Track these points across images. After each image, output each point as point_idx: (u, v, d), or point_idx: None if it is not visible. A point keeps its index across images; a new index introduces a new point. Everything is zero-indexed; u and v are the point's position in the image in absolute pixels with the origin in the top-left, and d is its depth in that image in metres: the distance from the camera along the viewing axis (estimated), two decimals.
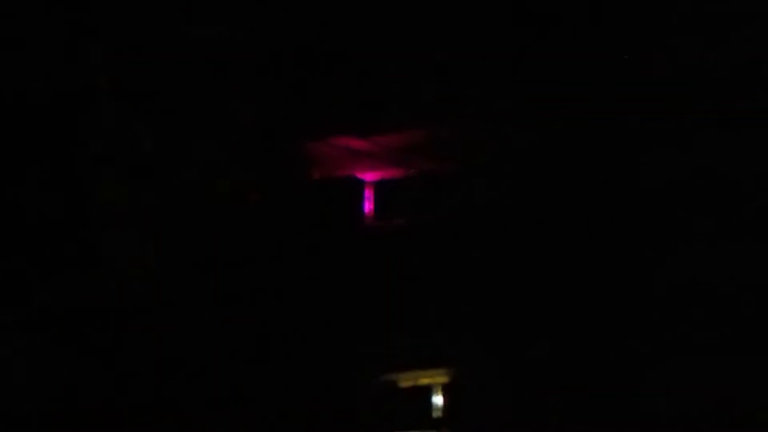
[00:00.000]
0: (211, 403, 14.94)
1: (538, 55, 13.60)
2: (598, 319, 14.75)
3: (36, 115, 14.43)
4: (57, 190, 14.72)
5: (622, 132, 13.78)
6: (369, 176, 15.62)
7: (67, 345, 14.93)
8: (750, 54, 12.94)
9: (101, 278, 12.68)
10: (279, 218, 15.49)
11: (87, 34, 15.27)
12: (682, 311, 14.21)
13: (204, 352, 14.84)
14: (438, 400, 15.38)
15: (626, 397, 13.90)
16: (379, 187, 15.92)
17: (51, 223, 14.49)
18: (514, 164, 14.04)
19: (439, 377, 15.01)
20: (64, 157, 14.96)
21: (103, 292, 13.33)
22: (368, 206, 15.97)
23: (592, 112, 13.54)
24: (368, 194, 15.99)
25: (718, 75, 13.46)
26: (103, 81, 15.03)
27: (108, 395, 14.55)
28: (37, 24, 14.75)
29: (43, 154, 14.79)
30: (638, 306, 14.50)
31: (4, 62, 14.73)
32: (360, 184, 15.63)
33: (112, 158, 15.05)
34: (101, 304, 15.15)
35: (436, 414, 15.43)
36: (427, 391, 15.08)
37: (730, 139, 13.60)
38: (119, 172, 14.86)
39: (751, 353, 13.75)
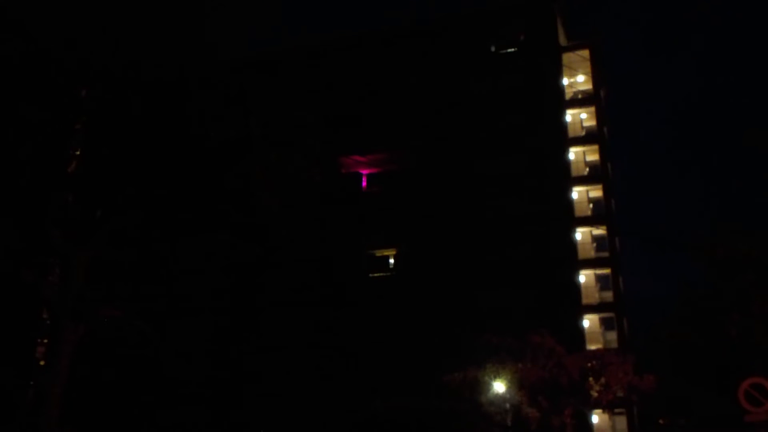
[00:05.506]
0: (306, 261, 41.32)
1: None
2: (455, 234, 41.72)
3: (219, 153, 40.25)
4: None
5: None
6: (365, 171, 42.31)
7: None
8: None
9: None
10: (330, 186, 41.97)
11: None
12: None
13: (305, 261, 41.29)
14: (392, 261, 42.04)
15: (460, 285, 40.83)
16: (369, 176, 42.69)
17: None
18: (416, 169, 41.04)
19: (391, 251, 41.71)
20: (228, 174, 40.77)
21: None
22: (364, 184, 42.58)
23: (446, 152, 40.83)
24: (364, 180, 42.60)
25: None
26: (257, 130, 41.13)
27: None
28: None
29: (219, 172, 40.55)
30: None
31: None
32: (361, 175, 42.25)
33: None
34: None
35: (391, 267, 42.11)
36: (387, 257, 41.80)
37: None
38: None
39: None
